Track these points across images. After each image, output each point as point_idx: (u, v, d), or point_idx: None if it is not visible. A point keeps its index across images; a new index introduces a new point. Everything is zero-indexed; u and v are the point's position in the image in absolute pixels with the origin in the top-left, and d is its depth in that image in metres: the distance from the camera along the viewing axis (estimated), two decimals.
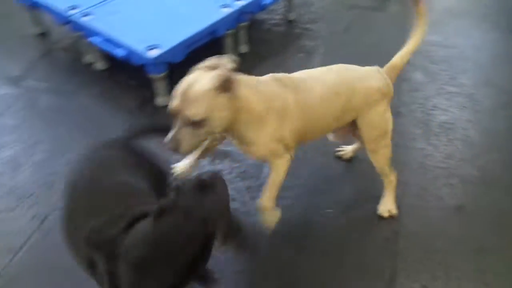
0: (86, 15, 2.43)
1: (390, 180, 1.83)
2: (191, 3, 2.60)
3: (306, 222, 1.88)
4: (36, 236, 1.80)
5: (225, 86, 1.27)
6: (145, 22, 2.43)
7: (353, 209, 1.93)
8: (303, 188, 2.01)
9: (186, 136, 1.27)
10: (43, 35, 2.98)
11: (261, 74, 1.52)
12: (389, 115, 1.67)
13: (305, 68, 1.64)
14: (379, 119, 1.64)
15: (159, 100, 2.42)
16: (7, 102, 2.49)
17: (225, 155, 2.13)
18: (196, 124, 1.26)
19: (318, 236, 1.83)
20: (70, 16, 2.45)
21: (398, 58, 1.67)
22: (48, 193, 1.97)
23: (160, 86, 2.36)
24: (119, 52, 2.27)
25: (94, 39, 2.37)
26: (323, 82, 1.53)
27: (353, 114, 1.61)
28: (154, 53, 2.18)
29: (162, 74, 2.29)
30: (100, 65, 2.66)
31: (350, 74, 1.61)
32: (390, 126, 1.68)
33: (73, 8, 2.47)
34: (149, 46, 2.20)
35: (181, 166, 1.68)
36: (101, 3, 2.53)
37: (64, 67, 2.78)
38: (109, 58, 2.63)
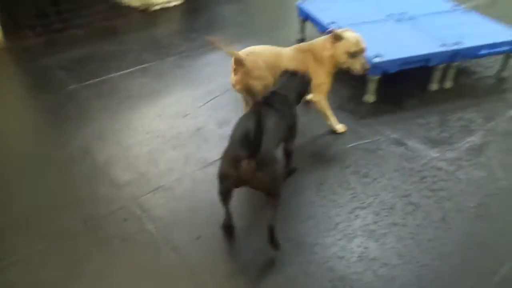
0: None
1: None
2: (416, 36, 3.36)
3: None
4: None
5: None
6: (380, 41, 3.28)
7: None
8: None
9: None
10: (301, 40, 4.19)
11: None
12: None
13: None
14: None
15: (367, 97, 3.22)
16: None
17: None
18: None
19: None
20: (329, 28, 3.50)
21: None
22: None
23: (371, 86, 3.16)
24: None
25: None
26: None
27: None
28: (376, 60, 3.01)
29: (375, 77, 3.10)
30: None
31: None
32: None
33: (333, 23, 3.53)
34: (375, 55, 3.03)
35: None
36: (354, 24, 3.49)
37: None
38: None
